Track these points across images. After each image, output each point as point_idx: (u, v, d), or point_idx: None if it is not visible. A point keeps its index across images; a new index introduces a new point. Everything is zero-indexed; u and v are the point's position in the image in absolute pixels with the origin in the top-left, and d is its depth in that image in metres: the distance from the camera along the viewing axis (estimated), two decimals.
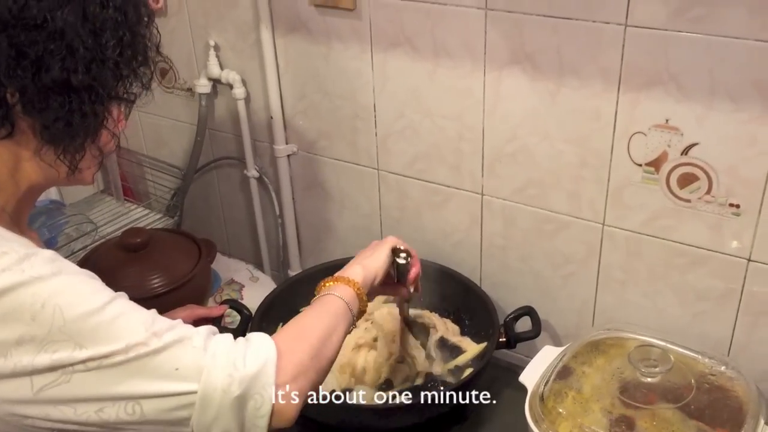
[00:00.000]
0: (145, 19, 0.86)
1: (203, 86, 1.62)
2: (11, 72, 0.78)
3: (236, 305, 1.35)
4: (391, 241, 1.15)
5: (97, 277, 0.84)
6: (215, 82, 1.62)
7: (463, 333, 1.37)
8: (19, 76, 0.78)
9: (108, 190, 1.86)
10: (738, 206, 1.11)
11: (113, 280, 1.38)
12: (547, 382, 1.10)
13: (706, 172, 1.12)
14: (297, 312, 1.38)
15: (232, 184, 1.77)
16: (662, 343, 1.14)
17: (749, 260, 1.14)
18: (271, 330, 1.32)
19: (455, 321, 1.40)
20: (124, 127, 0.91)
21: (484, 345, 1.29)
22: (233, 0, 1.50)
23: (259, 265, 1.79)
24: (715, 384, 1.08)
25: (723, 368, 1.10)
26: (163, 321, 0.82)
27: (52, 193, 1.66)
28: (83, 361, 0.75)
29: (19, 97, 0.80)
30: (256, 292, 1.52)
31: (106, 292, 0.81)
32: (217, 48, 1.58)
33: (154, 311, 0.84)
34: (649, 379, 1.08)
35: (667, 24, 1.05)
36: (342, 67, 1.42)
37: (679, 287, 1.22)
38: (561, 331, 1.40)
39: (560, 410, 1.06)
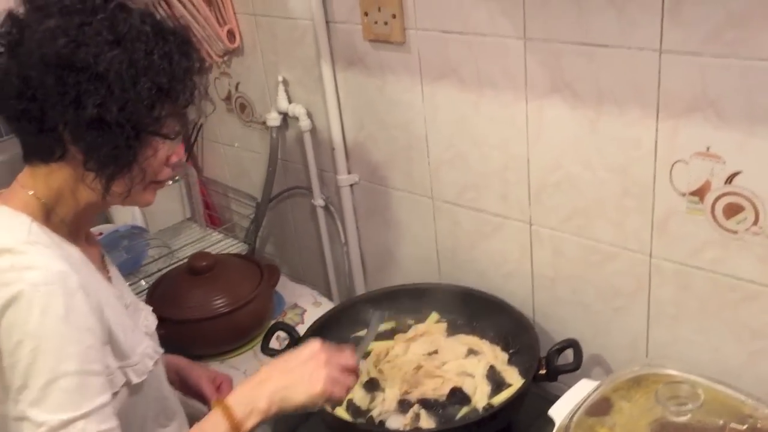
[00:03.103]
0: (195, 65, 0.95)
1: (273, 119, 1.71)
2: (57, 106, 0.89)
3: (286, 327, 1.40)
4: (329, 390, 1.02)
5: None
6: (284, 115, 1.71)
7: (510, 362, 1.36)
8: (63, 110, 0.89)
9: (193, 218, 1.99)
10: None
11: (180, 301, 1.51)
12: (572, 416, 1.07)
13: (751, 202, 1.06)
14: (344, 336, 1.44)
15: (303, 213, 1.84)
16: (704, 381, 1.08)
17: None
18: None
19: (504, 349, 1.38)
20: (180, 158, 1.02)
21: (523, 381, 1.27)
22: (299, 37, 1.59)
23: (327, 291, 1.84)
24: (754, 427, 1.01)
25: (766, 410, 1.03)
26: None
27: (137, 219, 1.80)
28: None
29: (65, 128, 0.91)
30: (316, 316, 1.56)
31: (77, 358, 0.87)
32: (285, 83, 1.67)
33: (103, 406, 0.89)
34: (681, 419, 1.02)
35: (702, 49, 1.02)
36: (395, 98, 1.46)
37: (732, 324, 1.16)
38: (614, 365, 1.35)
39: None
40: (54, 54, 0.87)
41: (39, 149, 0.94)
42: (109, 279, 1.08)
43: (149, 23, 0.92)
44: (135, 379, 0.99)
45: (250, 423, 0.97)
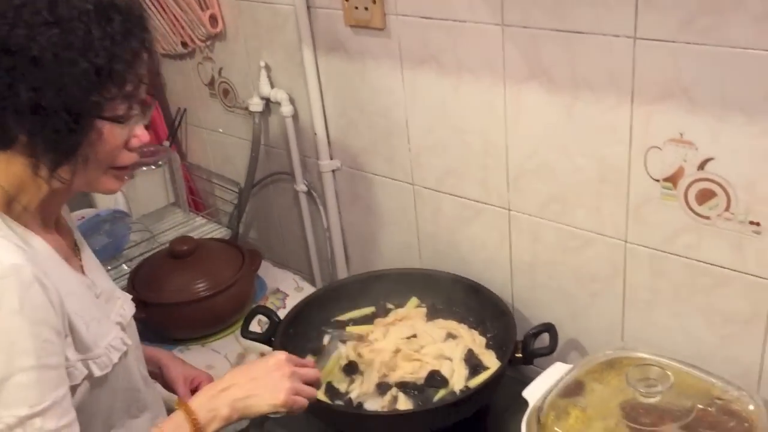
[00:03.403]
0: (142, 45, 0.90)
1: (256, 104, 1.71)
2: None
3: (266, 311, 1.41)
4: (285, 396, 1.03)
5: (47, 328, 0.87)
6: (267, 100, 1.71)
7: (488, 346, 1.37)
8: (2, 96, 0.85)
9: (177, 203, 1.99)
10: (758, 224, 1.06)
11: (161, 285, 1.51)
12: (545, 398, 1.08)
13: (723, 188, 1.07)
14: (324, 320, 1.46)
15: (286, 198, 1.85)
16: (674, 364, 1.10)
17: None
18: (292, 339, 1.38)
19: (482, 333, 1.40)
20: (142, 142, 0.96)
21: (500, 365, 1.29)
22: (281, 23, 1.59)
23: (310, 276, 1.85)
24: (723, 408, 1.03)
25: (735, 393, 1.04)
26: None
27: (120, 203, 1.80)
28: None
29: (5, 113, 0.86)
30: (297, 301, 1.57)
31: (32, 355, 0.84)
32: (268, 68, 1.67)
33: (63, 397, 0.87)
34: (651, 400, 1.04)
35: (675, 35, 1.03)
36: (376, 84, 1.47)
37: (705, 309, 1.17)
38: (591, 350, 1.37)
39: (557, 429, 1.04)
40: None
41: None
42: (81, 268, 1.05)
43: (92, 1, 0.87)
44: (97, 372, 0.96)
45: (211, 428, 0.98)
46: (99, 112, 0.88)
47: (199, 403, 0.99)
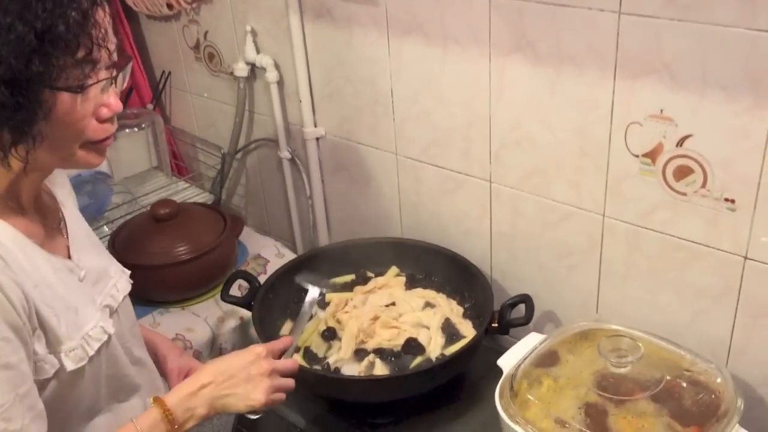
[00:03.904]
0: (84, 4, 0.80)
1: (241, 70, 1.70)
2: None
3: (246, 276, 1.42)
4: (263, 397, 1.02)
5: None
6: (252, 66, 1.70)
7: (465, 315, 1.39)
8: None
9: (160, 167, 1.98)
10: (733, 201, 1.08)
11: (142, 247, 1.52)
12: (519, 366, 1.11)
13: (701, 165, 1.09)
14: (302, 287, 1.47)
15: (270, 165, 1.85)
16: (645, 336, 1.13)
17: (746, 258, 1.10)
18: (272, 304, 1.39)
19: (460, 303, 1.42)
20: (113, 110, 0.88)
21: (475, 334, 1.31)
22: None
23: (291, 243, 1.86)
24: (692, 380, 1.05)
25: (704, 365, 1.07)
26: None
27: (102, 165, 1.79)
28: None
29: None
30: (278, 267, 1.58)
31: None
32: (254, 33, 1.66)
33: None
34: (621, 370, 1.07)
35: (660, 11, 1.03)
36: (362, 53, 1.47)
37: (678, 283, 1.20)
38: (566, 322, 1.39)
39: (529, 396, 1.07)
40: None
41: None
42: (66, 249, 0.98)
43: None
44: (70, 366, 0.91)
45: (188, 426, 0.98)
46: (47, 82, 0.79)
47: (176, 400, 0.97)
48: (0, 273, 0.81)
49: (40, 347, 0.87)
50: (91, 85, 0.83)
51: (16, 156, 0.83)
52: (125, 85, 0.93)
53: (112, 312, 1.02)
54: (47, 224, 0.97)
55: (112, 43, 0.85)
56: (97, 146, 0.89)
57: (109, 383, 1.01)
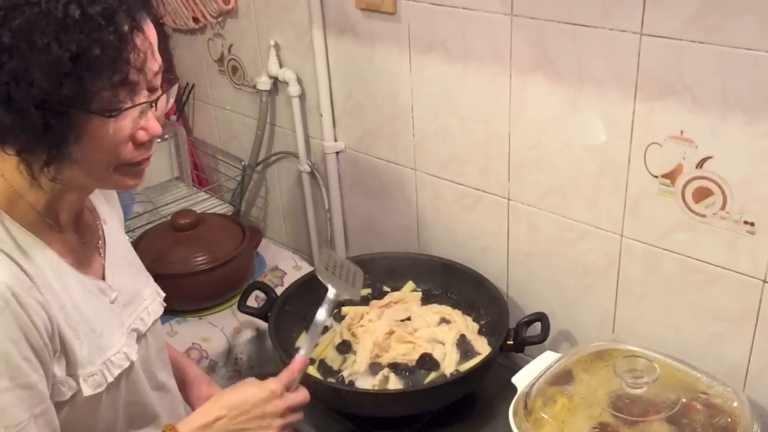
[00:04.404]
0: (123, 28, 0.77)
1: (264, 83, 1.72)
2: None
3: (263, 287, 1.43)
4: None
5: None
6: (275, 79, 1.72)
7: (480, 332, 1.39)
8: None
9: (181, 177, 2.01)
10: (753, 224, 1.07)
11: (162, 257, 1.53)
12: (533, 384, 1.10)
13: (720, 187, 1.09)
14: (319, 299, 1.47)
15: (289, 178, 1.86)
16: (661, 357, 1.12)
17: (765, 281, 1.09)
18: (288, 315, 1.40)
19: (475, 320, 1.42)
20: (148, 136, 0.84)
21: (490, 351, 1.31)
22: (293, 2, 1.60)
23: (309, 256, 1.87)
24: (708, 403, 1.05)
25: (721, 388, 1.06)
26: None
27: None
28: None
29: None
30: (295, 279, 1.59)
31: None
32: (277, 47, 1.68)
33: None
34: (636, 391, 1.06)
35: (681, 33, 1.04)
36: (384, 69, 1.48)
37: (695, 305, 1.19)
38: (582, 341, 1.39)
39: (543, 414, 1.06)
40: None
41: None
42: (102, 268, 0.97)
43: None
44: (88, 391, 0.90)
45: None
46: (80, 105, 0.77)
47: (188, 430, 0.95)
48: (26, 294, 0.81)
49: (60, 370, 0.87)
50: (127, 109, 0.81)
51: (47, 176, 0.82)
52: (168, 107, 0.90)
53: (140, 336, 1.01)
54: (85, 242, 0.96)
55: (153, 66, 0.82)
56: (133, 169, 0.87)
57: (126, 410, 0.99)
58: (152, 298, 1.07)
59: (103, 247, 0.99)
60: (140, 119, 0.83)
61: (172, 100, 0.91)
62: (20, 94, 0.74)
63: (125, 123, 0.81)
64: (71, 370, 0.89)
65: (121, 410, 0.98)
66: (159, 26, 0.87)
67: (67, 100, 0.75)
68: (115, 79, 0.77)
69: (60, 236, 0.91)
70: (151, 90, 0.84)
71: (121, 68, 0.77)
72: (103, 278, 0.97)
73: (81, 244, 0.95)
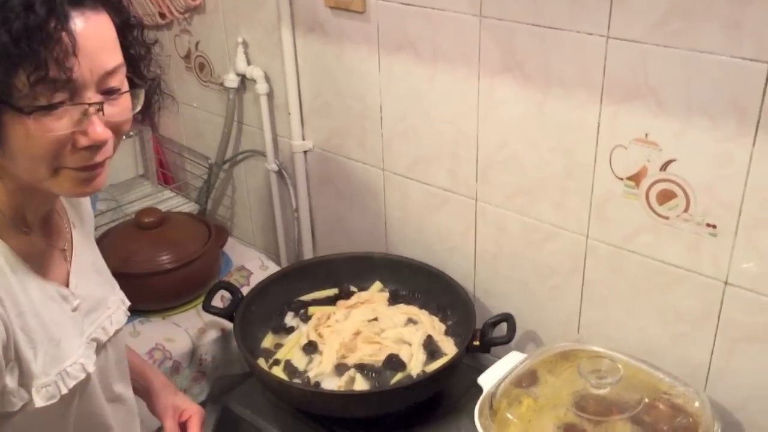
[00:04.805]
0: (41, 18, 0.72)
1: (231, 81, 1.71)
2: None
3: (229, 287, 1.41)
4: None
5: None
6: (243, 77, 1.70)
7: (447, 333, 1.39)
8: None
9: (146, 175, 1.98)
10: (715, 226, 1.09)
11: (125, 255, 1.51)
12: (499, 385, 1.11)
13: (684, 190, 1.10)
14: (285, 299, 1.46)
15: (257, 177, 1.84)
16: (625, 358, 1.13)
17: (726, 283, 1.11)
18: (254, 316, 1.39)
19: (442, 320, 1.42)
20: (89, 142, 0.78)
21: (457, 351, 1.31)
22: None
23: (276, 256, 1.86)
24: (670, 403, 1.06)
25: (682, 388, 1.08)
26: None
27: None
28: None
29: None
30: (261, 279, 1.58)
31: None
32: (245, 45, 1.67)
33: None
34: (601, 391, 1.07)
35: (647, 37, 1.05)
36: (353, 68, 1.47)
37: (659, 306, 1.20)
38: (548, 341, 1.39)
39: (509, 415, 1.07)
40: None
41: None
42: (66, 273, 0.94)
43: None
44: (39, 403, 0.86)
45: None
46: (8, 100, 0.73)
47: None
48: None
49: (11, 380, 0.84)
50: (47, 108, 0.74)
51: None
52: (134, 111, 0.84)
53: (100, 346, 0.98)
54: (51, 245, 0.93)
55: (102, 64, 0.77)
56: (79, 174, 0.80)
57: (78, 422, 0.96)
58: (116, 306, 1.04)
59: (70, 251, 0.96)
60: (82, 122, 0.77)
61: (138, 106, 0.85)
62: None
63: (57, 123, 0.76)
64: (24, 381, 0.85)
65: (73, 422, 0.95)
66: (126, 23, 0.83)
67: None
68: (30, 73, 0.72)
69: (26, 238, 0.87)
70: (105, 92, 0.79)
71: (37, 62, 0.71)
72: (67, 284, 0.94)
73: (48, 246, 0.92)
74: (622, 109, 1.12)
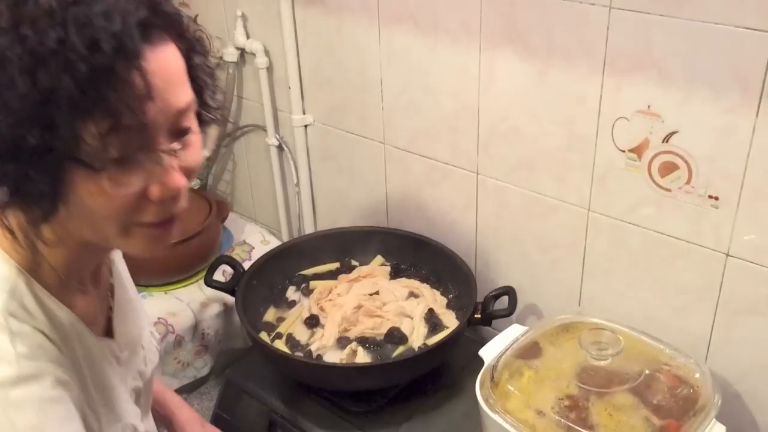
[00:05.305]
0: (108, 59, 0.61)
1: (230, 54, 1.69)
2: None
3: (231, 261, 1.42)
4: None
5: None
6: (242, 51, 1.69)
7: (448, 306, 1.40)
8: None
9: None
10: (717, 198, 1.09)
11: None
12: (500, 357, 1.11)
13: (686, 162, 1.09)
14: (287, 273, 1.46)
15: (257, 152, 1.84)
16: (626, 330, 1.13)
17: (728, 255, 1.11)
18: (255, 290, 1.39)
19: (443, 294, 1.42)
20: (161, 192, 0.68)
21: (458, 324, 1.31)
22: None
23: (277, 230, 1.86)
24: (670, 374, 1.06)
25: (683, 360, 1.08)
26: None
27: None
28: None
29: None
30: (262, 254, 1.58)
31: None
32: (244, 18, 1.65)
33: None
34: (601, 363, 1.07)
35: (650, 7, 1.04)
36: (352, 41, 1.46)
37: (660, 279, 1.20)
38: (549, 314, 1.40)
39: (510, 387, 1.07)
40: None
41: None
42: (109, 320, 0.86)
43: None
44: None
45: None
46: (60, 153, 0.62)
47: None
48: (65, 375, 0.73)
49: None
50: (120, 161, 0.64)
51: (39, 236, 0.69)
52: (206, 154, 0.79)
53: (138, 395, 0.92)
54: (100, 299, 0.85)
55: (173, 103, 0.67)
56: (151, 231, 0.71)
57: None
58: (149, 342, 0.97)
59: (111, 293, 0.88)
60: (156, 170, 0.66)
61: (210, 144, 0.80)
62: None
63: (132, 177, 0.66)
64: None
65: None
66: (192, 49, 0.72)
67: (42, 148, 0.61)
68: (101, 124, 0.62)
69: (83, 297, 0.80)
70: (176, 133, 0.68)
71: (108, 110, 0.62)
72: (112, 333, 0.86)
73: (97, 297, 0.84)
74: (624, 81, 1.11)
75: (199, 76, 0.73)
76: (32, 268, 0.73)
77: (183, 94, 0.69)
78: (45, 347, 0.71)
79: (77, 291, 0.79)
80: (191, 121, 0.71)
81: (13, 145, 0.61)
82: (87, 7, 0.60)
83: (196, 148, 0.72)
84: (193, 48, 0.73)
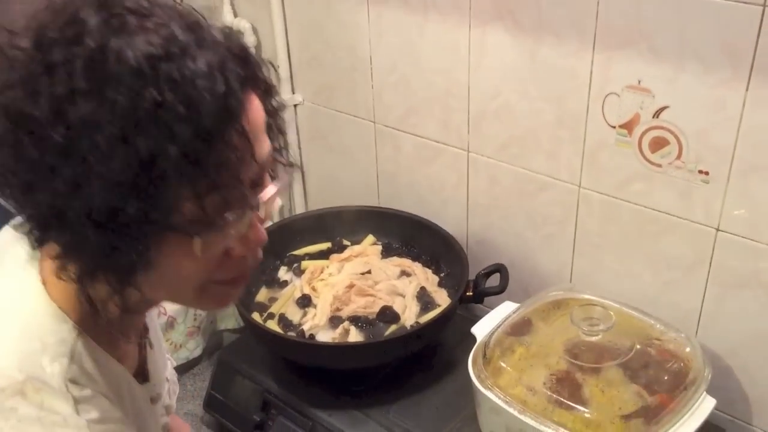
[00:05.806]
0: (209, 121, 0.56)
1: None
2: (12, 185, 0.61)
3: None
4: None
5: None
6: None
7: (440, 284, 1.40)
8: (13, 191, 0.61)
9: None
10: (707, 173, 1.09)
11: None
12: (492, 334, 1.12)
13: (676, 137, 1.09)
14: (278, 255, 1.46)
15: None
16: (617, 305, 1.14)
17: (718, 230, 1.11)
18: None
19: (435, 272, 1.43)
20: (245, 251, 0.66)
21: (450, 302, 1.31)
22: None
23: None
24: (661, 349, 1.07)
25: (674, 335, 1.09)
26: None
27: None
28: None
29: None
30: None
31: None
32: None
33: None
34: (593, 338, 1.08)
35: None
36: (341, 18, 1.45)
37: (651, 254, 1.21)
38: (540, 291, 1.39)
39: (502, 363, 1.08)
40: (3, 109, 0.58)
41: None
42: (144, 360, 0.83)
43: (143, 55, 0.55)
44: None
45: None
46: (154, 221, 0.58)
47: None
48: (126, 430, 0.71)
49: None
50: (212, 222, 0.60)
51: (114, 300, 0.65)
52: (275, 206, 0.72)
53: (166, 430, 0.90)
54: (137, 344, 0.82)
55: (259, 156, 0.62)
56: (224, 288, 0.68)
57: None
58: (171, 373, 0.95)
59: (146, 331, 0.84)
60: (242, 227, 0.63)
61: (284, 191, 0.72)
62: (75, 209, 0.57)
63: (226, 238, 0.62)
64: None
65: None
66: (268, 92, 0.66)
67: (137, 217, 0.57)
68: (200, 187, 0.58)
69: (127, 347, 0.77)
70: (255, 185, 0.64)
71: (207, 173, 0.57)
72: (144, 372, 0.83)
73: (135, 349, 0.81)
74: (614, 56, 1.10)
75: (275, 123, 0.69)
76: (90, 326, 0.69)
77: (266, 145, 0.65)
78: (108, 409, 0.68)
79: (122, 342, 0.75)
80: (269, 171, 0.67)
81: (108, 218, 0.57)
82: (181, 63, 0.56)
83: (275, 199, 0.67)
84: (269, 93, 0.67)
